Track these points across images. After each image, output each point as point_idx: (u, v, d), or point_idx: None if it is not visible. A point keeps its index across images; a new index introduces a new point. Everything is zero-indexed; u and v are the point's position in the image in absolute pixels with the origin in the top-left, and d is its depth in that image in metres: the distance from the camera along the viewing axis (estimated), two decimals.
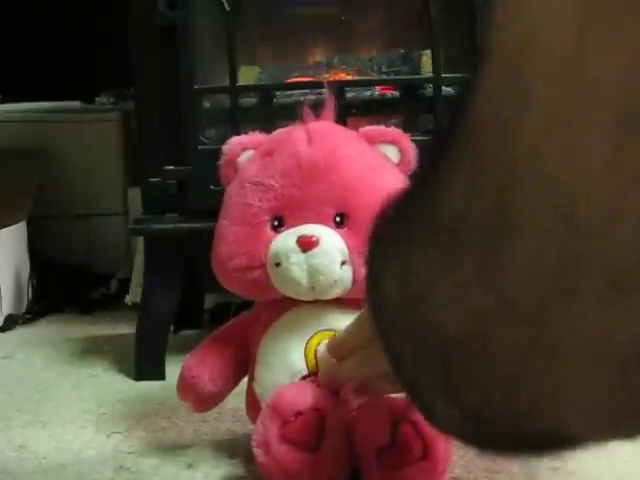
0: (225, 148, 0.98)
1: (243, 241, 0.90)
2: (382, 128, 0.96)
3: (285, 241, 0.88)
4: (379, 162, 0.93)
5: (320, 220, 0.89)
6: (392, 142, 0.94)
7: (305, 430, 0.82)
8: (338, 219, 0.89)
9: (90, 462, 0.97)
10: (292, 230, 0.89)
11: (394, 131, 0.96)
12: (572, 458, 0.91)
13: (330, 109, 0.96)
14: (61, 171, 2.00)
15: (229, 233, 0.92)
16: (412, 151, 0.95)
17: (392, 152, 0.94)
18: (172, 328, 1.41)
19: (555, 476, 0.88)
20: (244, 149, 0.96)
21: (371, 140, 0.94)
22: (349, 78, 1.34)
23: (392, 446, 0.82)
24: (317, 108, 0.96)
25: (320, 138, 0.92)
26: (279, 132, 0.96)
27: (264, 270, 0.89)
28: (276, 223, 0.90)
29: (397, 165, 0.94)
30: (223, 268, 0.92)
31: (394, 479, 0.81)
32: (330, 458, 0.82)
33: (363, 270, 0.85)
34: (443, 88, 1.24)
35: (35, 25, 2.32)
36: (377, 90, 1.30)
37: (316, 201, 0.89)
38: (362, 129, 0.96)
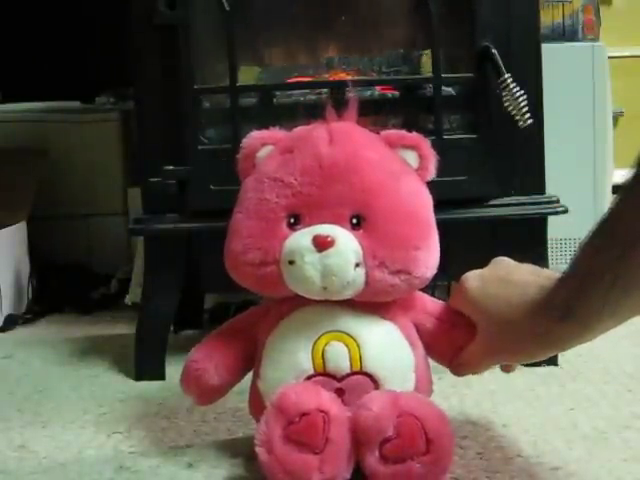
0: (244, 142, 0.96)
1: (258, 236, 0.90)
2: (403, 132, 0.95)
3: (300, 239, 0.87)
4: (399, 167, 0.92)
5: (336, 220, 0.88)
6: (412, 147, 0.93)
7: (309, 431, 0.82)
8: (354, 221, 0.88)
9: (90, 462, 0.97)
10: (308, 229, 0.88)
11: (415, 136, 0.94)
12: (572, 458, 0.91)
13: (353, 109, 0.95)
14: (61, 171, 2.00)
15: (244, 227, 0.91)
16: (431, 157, 0.94)
17: (411, 157, 0.93)
18: (172, 328, 1.41)
19: (555, 476, 0.88)
20: (263, 144, 0.95)
21: (391, 144, 0.93)
22: (349, 78, 1.34)
23: (395, 439, 0.82)
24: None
25: (342, 139, 0.91)
26: (300, 130, 0.95)
27: (277, 267, 0.88)
28: (292, 220, 0.89)
29: (416, 170, 0.93)
30: (236, 262, 0.91)
31: (397, 473, 0.81)
32: (333, 458, 0.82)
33: (376, 273, 0.86)
34: (443, 88, 1.24)
35: (35, 25, 2.32)
36: (377, 90, 1.30)
37: (334, 201, 0.89)
38: (383, 132, 0.95)
